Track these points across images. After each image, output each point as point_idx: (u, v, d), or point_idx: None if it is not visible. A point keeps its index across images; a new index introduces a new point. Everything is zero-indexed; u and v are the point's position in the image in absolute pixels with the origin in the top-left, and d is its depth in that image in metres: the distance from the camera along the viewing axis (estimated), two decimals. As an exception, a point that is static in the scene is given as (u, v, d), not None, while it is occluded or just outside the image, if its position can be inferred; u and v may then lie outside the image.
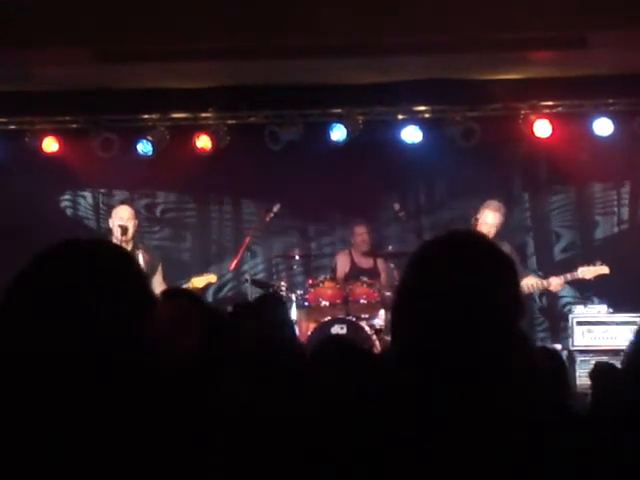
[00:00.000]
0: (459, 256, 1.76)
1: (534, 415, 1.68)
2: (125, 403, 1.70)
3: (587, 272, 7.75)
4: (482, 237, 1.89)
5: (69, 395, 1.66)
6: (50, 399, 1.66)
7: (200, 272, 8.13)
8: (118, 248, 2.06)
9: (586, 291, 9.11)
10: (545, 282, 7.79)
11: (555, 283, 7.75)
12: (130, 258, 1.92)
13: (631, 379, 2.55)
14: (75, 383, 1.67)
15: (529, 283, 7.69)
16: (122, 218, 7.35)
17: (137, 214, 7.78)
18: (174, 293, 2.58)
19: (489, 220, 7.61)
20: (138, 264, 1.96)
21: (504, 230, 7.86)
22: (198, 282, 7.77)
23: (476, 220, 7.63)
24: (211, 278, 7.96)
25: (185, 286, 7.56)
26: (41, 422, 1.64)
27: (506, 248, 7.75)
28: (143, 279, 1.91)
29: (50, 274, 1.80)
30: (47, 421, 1.64)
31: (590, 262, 7.83)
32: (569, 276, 7.78)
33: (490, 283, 1.74)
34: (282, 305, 5.51)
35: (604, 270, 7.74)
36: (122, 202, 8.53)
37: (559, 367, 1.86)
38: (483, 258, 1.77)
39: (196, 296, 2.71)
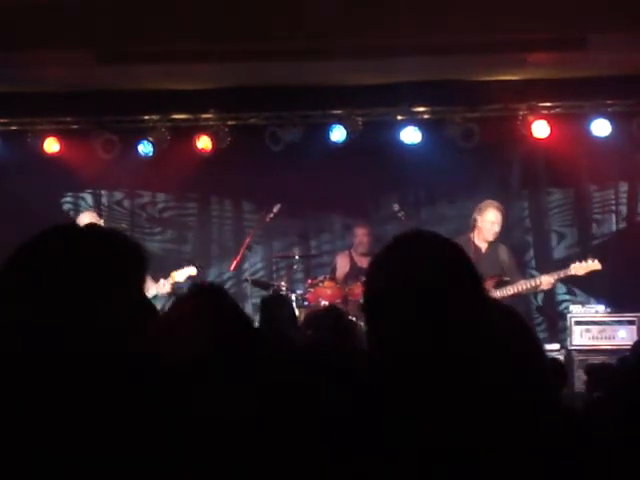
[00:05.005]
0: (405, 250, 1.90)
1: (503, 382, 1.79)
2: (124, 404, 1.69)
3: (579, 269, 7.56)
4: (426, 232, 2.02)
5: (66, 395, 1.65)
6: (46, 400, 1.64)
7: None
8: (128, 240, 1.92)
9: (584, 290, 9.14)
10: (536, 281, 7.64)
11: (546, 282, 7.58)
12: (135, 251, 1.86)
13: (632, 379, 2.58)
14: (73, 384, 1.65)
15: (519, 287, 7.55)
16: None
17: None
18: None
19: (491, 219, 7.60)
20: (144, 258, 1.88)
21: (503, 229, 7.88)
22: (179, 276, 7.78)
23: (475, 220, 7.63)
24: (191, 271, 7.91)
25: (166, 280, 7.64)
26: (36, 423, 1.63)
27: (503, 250, 7.76)
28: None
29: (55, 267, 1.79)
30: (43, 422, 1.63)
31: (583, 259, 7.70)
32: (562, 274, 7.64)
33: (438, 267, 1.85)
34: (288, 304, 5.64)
35: (596, 266, 7.56)
36: (86, 209, 8.80)
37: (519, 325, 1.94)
38: (427, 247, 1.91)
39: (198, 295, 2.72)
